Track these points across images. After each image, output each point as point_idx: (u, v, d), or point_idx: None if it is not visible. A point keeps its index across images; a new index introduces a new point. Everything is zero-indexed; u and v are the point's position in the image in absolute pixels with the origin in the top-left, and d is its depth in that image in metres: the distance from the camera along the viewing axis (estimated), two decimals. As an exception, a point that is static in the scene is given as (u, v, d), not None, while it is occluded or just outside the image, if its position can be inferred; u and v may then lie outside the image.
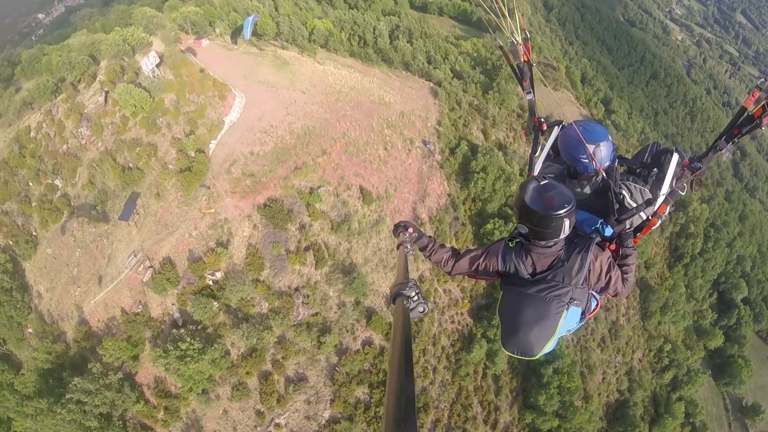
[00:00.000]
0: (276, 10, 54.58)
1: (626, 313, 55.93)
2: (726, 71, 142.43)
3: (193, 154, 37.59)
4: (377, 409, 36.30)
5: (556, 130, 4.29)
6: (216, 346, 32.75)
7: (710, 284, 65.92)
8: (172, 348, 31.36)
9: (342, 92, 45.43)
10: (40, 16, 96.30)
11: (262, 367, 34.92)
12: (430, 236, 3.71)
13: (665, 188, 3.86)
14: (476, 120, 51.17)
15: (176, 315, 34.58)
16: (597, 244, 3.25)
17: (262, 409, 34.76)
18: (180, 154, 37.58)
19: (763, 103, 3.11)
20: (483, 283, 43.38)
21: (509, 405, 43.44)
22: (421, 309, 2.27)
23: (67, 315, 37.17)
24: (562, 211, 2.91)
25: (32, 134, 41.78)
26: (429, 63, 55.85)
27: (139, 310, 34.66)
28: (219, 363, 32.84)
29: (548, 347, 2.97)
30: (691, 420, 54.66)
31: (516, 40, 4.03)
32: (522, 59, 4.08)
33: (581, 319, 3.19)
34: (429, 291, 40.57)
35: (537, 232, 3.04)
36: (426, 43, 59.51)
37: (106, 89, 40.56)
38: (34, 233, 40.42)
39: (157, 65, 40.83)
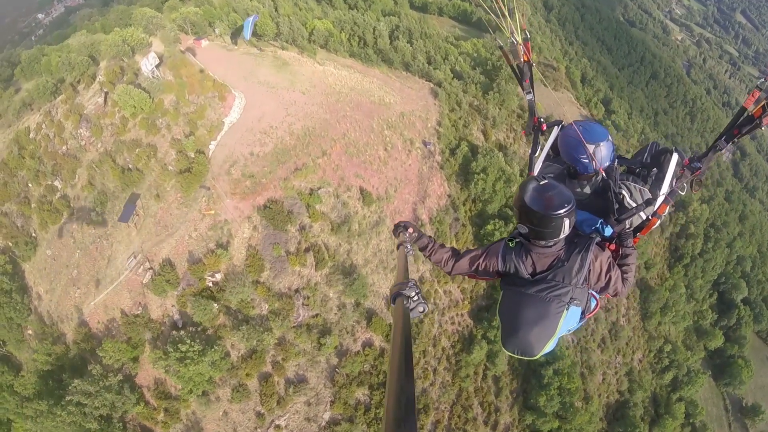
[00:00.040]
0: (276, 10, 54.51)
1: (626, 314, 55.91)
2: (726, 71, 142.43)
3: (192, 155, 37.52)
4: (377, 411, 36.25)
5: (555, 130, 4.28)
6: (216, 347, 32.71)
7: (710, 285, 65.95)
8: (172, 350, 31.31)
9: (342, 93, 45.36)
10: (40, 16, 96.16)
11: (262, 368, 34.87)
12: (430, 236, 3.71)
13: (665, 188, 3.85)
14: (476, 121, 51.12)
15: (176, 317, 34.52)
16: (597, 243, 3.25)
17: (263, 411, 34.71)
18: (180, 155, 37.50)
19: (763, 103, 3.11)
20: (483, 284, 43.40)
21: (509, 406, 43.42)
22: (421, 309, 2.27)
23: (66, 316, 37.11)
24: (561, 211, 2.91)
25: (32, 135, 41.68)
26: (429, 63, 55.78)
27: (138, 312, 34.61)
28: (219, 365, 32.79)
29: (548, 347, 2.97)
30: (691, 420, 54.66)
31: (516, 40, 4.04)
32: (522, 59, 4.08)
33: (581, 318, 3.18)
34: (429, 292, 40.52)
35: (537, 232, 3.05)
36: (426, 43, 59.44)
37: (105, 90, 40.47)
38: (33, 234, 40.34)
39: (157, 66, 40.75)
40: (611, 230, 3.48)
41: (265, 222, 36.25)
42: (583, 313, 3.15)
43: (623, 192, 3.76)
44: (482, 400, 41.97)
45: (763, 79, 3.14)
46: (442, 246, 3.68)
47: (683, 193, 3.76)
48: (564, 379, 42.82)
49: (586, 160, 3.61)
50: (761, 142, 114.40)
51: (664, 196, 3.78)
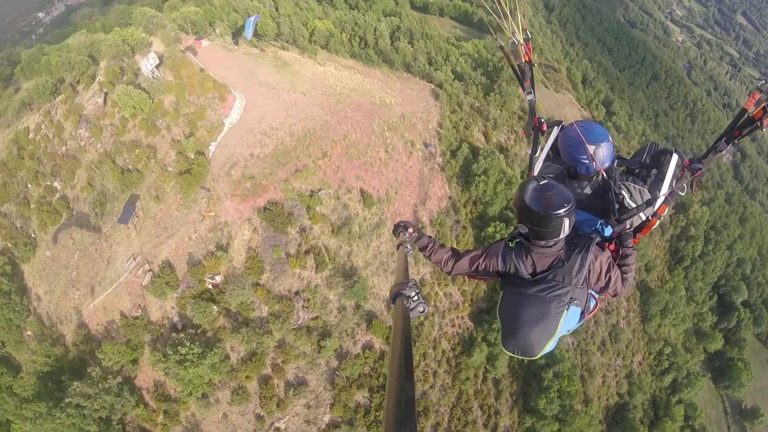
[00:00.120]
0: (276, 10, 54.30)
1: (626, 316, 55.88)
2: (726, 73, 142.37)
3: (192, 156, 37.37)
4: (377, 414, 36.19)
5: (555, 130, 4.28)
6: (216, 350, 32.62)
7: (710, 287, 65.95)
8: (171, 352, 31.21)
9: (343, 94, 45.23)
10: (40, 14, 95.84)
11: (262, 371, 34.79)
12: (430, 236, 3.70)
13: (665, 189, 3.86)
14: (477, 122, 51.00)
15: (176, 319, 34.41)
16: (597, 244, 3.25)
17: (262, 413, 34.63)
18: (179, 156, 37.35)
19: (763, 104, 3.11)
20: (483, 286, 43.37)
21: (509, 409, 43.37)
22: (421, 309, 2.27)
23: (66, 318, 36.98)
24: (561, 211, 2.91)
25: (31, 135, 41.51)
26: (430, 64, 55.63)
27: (138, 314, 34.49)
28: (219, 367, 32.70)
29: (548, 347, 2.97)
30: (690, 423, 54.63)
31: (517, 40, 4.03)
32: (523, 59, 4.08)
33: (580, 318, 3.17)
34: (430, 294, 40.43)
35: (537, 232, 3.05)
36: (427, 44, 59.27)
37: (105, 90, 40.31)
38: (32, 235, 40.20)
39: (157, 66, 40.59)
40: (611, 230, 3.47)
41: (265, 224, 36.13)
42: (582, 313, 3.14)
43: (623, 192, 3.74)
44: (482, 403, 41.91)
45: (763, 81, 3.12)
46: (442, 246, 3.68)
47: (683, 194, 3.76)
48: (564, 382, 42.78)
49: (587, 161, 3.60)
50: (762, 144, 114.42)
51: (664, 196, 3.78)
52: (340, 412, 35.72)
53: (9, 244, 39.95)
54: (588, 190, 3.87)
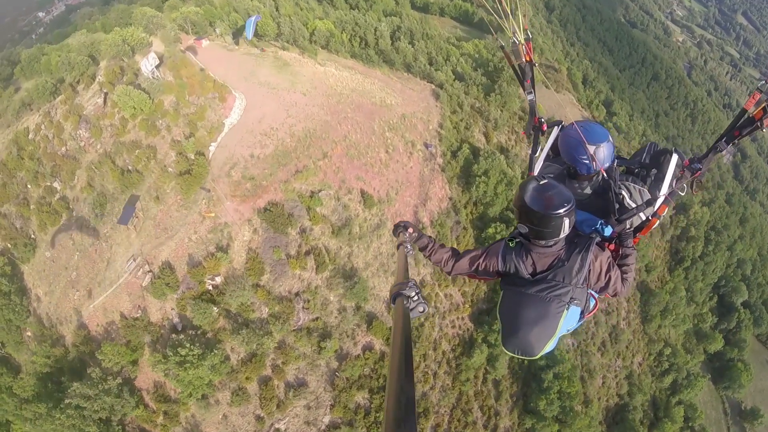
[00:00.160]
0: (277, 10, 54.20)
1: (627, 317, 55.85)
2: (727, 73, 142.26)
3: (192, 157, 37.30)
4: (377, 415, 36.16)
5: (555, 130, 4.28)
6: (216, 351, 32.58)
7: (710, 287, 65.91)
8: (171, 353, 31.17)
9: (343, 94, 45.16)
10: (41, 14, 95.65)
11: (262, 372, 34.75)
12: (430, 236, 3.70)
13: (665, 189, 3.86)
14: (478, 123, 50.94)
15: (176, 320, 34.37)
16: (597, 244, 3.26)
17: (262, 414, 34.60)
18: (180, 157, 37.28)
19: (763, 105, 3.11)
20: (484, 287, 43.34)
21: (509, 410, 43.35)
22: (421, 309, 2.27)
23: (65, 319, 36.93)
24: (561, 211, 2.92)
25: (31, 136, 41.43)
26: (430, 64, 55.54)
27: (138, 315, 34.44)
28: (219, 368, 32.66)
29: (548, 347, 2.97)
30: (690, 424, 54.60)
31: (518, 40, 4.03)
32: (524, 59, 4.08)
33: (580, 318, 3.17)
34: (430, 295, 40.40)
35: (537, 232, 3.05)
36: (427, 44, 59.17)
37: (105, 91, 40.23)
38: (32, 236, 40.13)
39: (157, 66, 40.52)
40: (611, 230, 3.47)
41: (265, 225, 36.07)
42: (582, 313, 3.14)
43: (623, 192, 3.74)
44: (482, 404, 41.89)
45: (763, 81, 3.11)
46: (442, 246, 3.68)
47: (683, 194, 3.76)
48: (564, 383, 42.75)
49: (587, 161, 3.61)
50: (762, 144, 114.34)
51: (664, 196, 3.78)
52: (340, 413, 35.69)
53: (9, 245, 39.89)
54: (588, 190, 3.88)
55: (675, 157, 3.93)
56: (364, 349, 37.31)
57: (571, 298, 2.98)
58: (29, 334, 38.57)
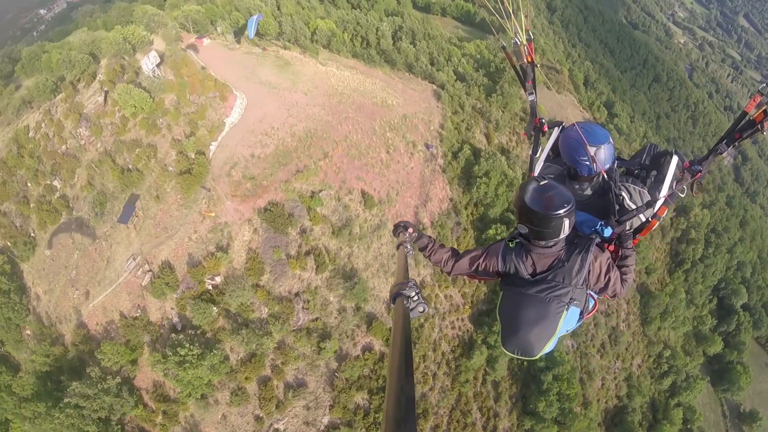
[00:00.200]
0: (278, 9, 54.12)
1: (626, 319, 55.84)
2: (728, 75, 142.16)
3: (193, 156, 37.24)
4: (376, 415, 36.13)
5: (556, 131, 4.29)
6: (215, 351, 32.53)
7: (710, 290, 65.86)
8: (170, 353, 31.11)
9: (344, 94, 45.09)
10: (42, 11, 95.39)
11: (261, 372, 34.70)
12: (429, 236, 3.70)
13: (665, 190, 3.87)
14: (479, 123, 50.87)
15: (175, 319, 34.31)
16: (596, 245, 3.26)
17: (261, 415, 34.56)
18: (180, 156, 37.21)
19: (764, 107, 3.11)
20: (484, 288, 43.30)
21: (508, 411, 43.32)
22: (421, 309, 2.27)
23: (65, 318, 36.87)
24: (561, 211, 2.92)
25: (31, 134, 41.34)
26: (432, 65, 55.48)
27: (137, 315, 34.38)
28: (218, 368, 32.61)
29: (548, 347, 2.98)
30: (689, 426, 54.58)
31: (519, 40, 4.01)
32: (525, 60, 4.07)
33: (579, 319, 3.18)
34: (430, 296, 40.37)
35: (537, 232, 3.06)
36: (429, 44, 59.10)
37: (105, 89, 40.15)
38: (32, 234, 40.05)
39: (158, 65, 40.45)
40: (611, 231, 3.46)
41: (265, 225, 36.01)
42: (581, 313, 3.15)
43: (623, 194, 3.74)
44: (481, 405, 41.85)
45: (764, 84, 3.11)
46: (442, 246, 3.69)
47: (683, 196, 3.76)
48: (563, 385, 42.72)
49: (587, 162, 3.61)
50: (763, 147, 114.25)
51: (664, 198, 3.79)
52: (339, 414, 35.65)
53: (8, 243, 39.81)
54: (588, 191, 3.88)
55: (675, 159, 3.94)
56: (363, 349, 37.27)
57: (570, 299, 2.98)
58: (28, 332, 38.51)
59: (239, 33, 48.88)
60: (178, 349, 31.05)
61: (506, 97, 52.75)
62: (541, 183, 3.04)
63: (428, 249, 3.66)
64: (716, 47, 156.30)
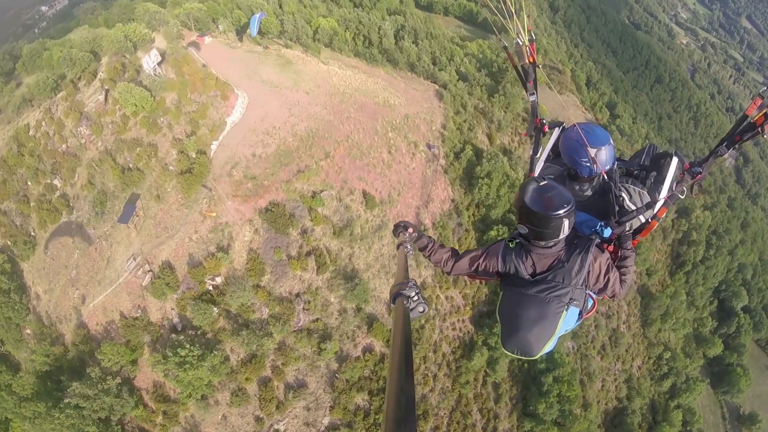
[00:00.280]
0: (280, 7, 53.82)
1: (627, 321, 55.77)
2: (730, 76, 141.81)
3: (194, 156, 37.06)
4: (377, 416, 36.09)
5: (556, 132, 4.30)
6: (215, 352, 32.46)
7: (711, 292, 65.78)
8: (171, 354, 31.03)
9: (346, 93, 44.87)
10: (44, 8, 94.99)
11: (261, 373, 34.64)
12: (429, 237, 3.71)
13: (665, 191, 3.90)
14: (481, 124, 50.66)
15: (175, 320, 34.22)
16: (596, 245, 3.28)
17: (262, 415, 34.52)
18: (181, 156, 37.04)
19: (765, 110, 3.10)
20: (485, 290, 43.21)
21: (508, 413, 43.29)
22: (421, 309, 2.28)
23: (65, 317, 36.77)
24: (561, 212, 2.93)
25: (31, 132, 41.14)
26: (434, 64, 55.27)
27: (137, 315, 34.27)
28: (218, 369, 32.55)
29: (548, 347, 3.00)
30: (688, 428, 54.58)
31: (521, 41, 4.00)
32: (527, 60, 4.07)
33: (579, 319, 3.22)
34: (431, 298, 40.29)
35: (537, 233, 3.06)
36: (431, 43, 58.86)
37: (106, 87, 39.94)
38: (32, 233, 39.91)
39: (159, 63, 40.24)
40: (610, 232, 3.47)
41: (266, 225, 35.88)
42: (580, 313, 3.17)
43: (623, 195, 3.77)
44: (481, 407, 41.82)
45: (765, 87, 3.09)
46: (442, 246, 3.70)
47: (683, 197, 3.73)
48: (564, 387, 42.69)
49: (588, 164, 3.63)
50: (764, 148, 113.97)
51: (663, 199, 3.80)
52: (339, 415, 35.61)
53: (8, 242, 39.69)
54: (588, 192, 3.90)
55: (675, 161, 3.95)
56: (364, 350, 37.20)
57: (570, 299, 3.00)
58: (29, 332, 38.42)
59: (241, 31, 48.65)
60: (179, 349, 30.97)
61: (509, 98, 52.52)
62: (541, 183, 3.03)
63: (428, 249, 3.66)
64: (718, 48, 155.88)
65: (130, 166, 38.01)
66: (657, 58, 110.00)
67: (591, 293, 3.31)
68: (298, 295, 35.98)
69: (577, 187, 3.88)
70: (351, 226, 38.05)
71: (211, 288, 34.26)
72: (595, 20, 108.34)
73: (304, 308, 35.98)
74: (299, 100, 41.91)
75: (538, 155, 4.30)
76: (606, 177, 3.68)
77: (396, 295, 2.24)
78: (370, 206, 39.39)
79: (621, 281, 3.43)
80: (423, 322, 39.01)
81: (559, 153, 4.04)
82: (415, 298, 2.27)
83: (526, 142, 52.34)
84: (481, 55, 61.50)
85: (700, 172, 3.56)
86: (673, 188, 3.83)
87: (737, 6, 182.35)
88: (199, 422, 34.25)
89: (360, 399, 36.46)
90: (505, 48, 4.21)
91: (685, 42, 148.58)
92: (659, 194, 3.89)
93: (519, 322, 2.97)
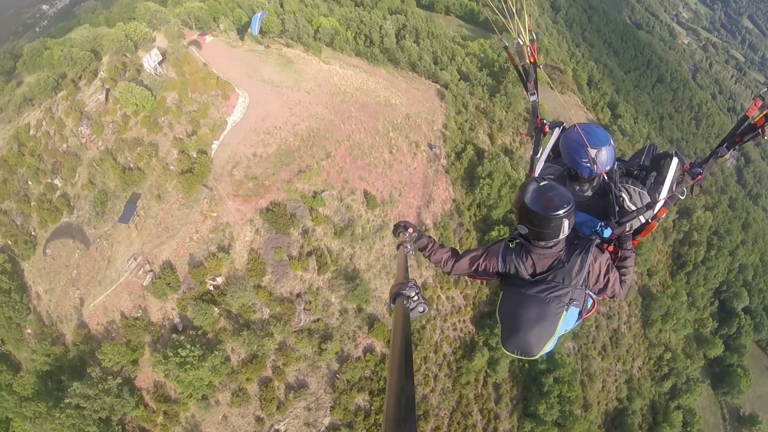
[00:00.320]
0: (281, 6, 53.68)
1: (627, 321, 55.72)
2: (732, 76, 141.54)
3: (194, 155, 36.98)
4: (377, 417, 36.06)
5: (557, 132, 4.30)
6: (216, 352, 32.42)
7: (712, 292, 65.68)
8: (171, 354, 30.98)
9: (347, 93, 44.77)
10: (45, 7, 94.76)
11: (262, 373, 34.61)
12: (430, 236, 3.71)
13: (665, 192, 3.90)
14: (482, 124, 50.56)
15: (176, 320, 34.17)
16: (596, 245, 3.28)
17: (262, 416, 34.49)
18: (182, 155, 36.96)
19: (765, 112, 3.10)
20: (486, 290, 43.14)
21: (509, 413, 43.27)
22: (421, 309, 2.27)
23: (66, 317, 36.73)
24: (561, 212, 2.93)
25: (32, 132, 41.05)
26: (435, 64, 55.12)
27: (138, 315, 34.22)
28: (219, 369, 32.51)
29: (548, 347, 3.00)
30: (688, 429, 54.55)
31: (522, 41, 3.98)
32: (528, 60, 4.05)
33: (578, 319, 3.22)
34: (432, 298, 40.23)
35: (537, 233, 3.07)
36: (433, 43, 58.71)
37: (107, 87, 39.84)
38: (33, 233, 39.84)
39: (160, 62, 40.15)
40: (610, 232, 3.48)
41: (267, 225, 35.82)
42: (580, 313, 3.18)
43: (623, 195, 3.77)
44: (482, 407, 41.79)
45: (766, 89, 3.10)
46: (442, 246, 3.71)
47: (683, 198, 3.72)
48: (564, 387, 42.65)
49: (588, 164, 3.62)
50: (766, 149, 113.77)
51: (664, 200, 3.80)
52: (340, 415, 35.59)
53: (9, 242, 39.63)
54: (588, 192, 3.90)
55: (675, 161, 3.95)
56: (365, 351, 37.16)
57: (570, 299, 3.00)
58: (29, 331, 38.39)
59: (242, 30, 48.54)
60: (179, 350, 30.93)
61: (510, 97, 52.41)
62: (541, 183, 3.04)
63: (428, 249, 3.66)
64: (720, 48, 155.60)
65: (131, 165, 37.94)
66: (658, 57, 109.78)
67: (591, 293, 3.31)
68: (299, 295, 35.93)
69: (578, 187, 3.88)
70: (352, 226, 37.99)
71: (212, 288, 34.21)
72: (597, 20, 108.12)
73: (305, 308, 35.94)
74: (300, 100, 41.82)
75: (539, 155, 4.30)
76: (606, 177, 3.68)
77: (396, 295, 2.23)
78: (371, 206, 39.32)
79: (621, 281, 3.43)
80: (424, 322, 38.96)
81: (559, 153, 4.03)
82: (415, 298, 2.26)
83: (528, 142, 52.21)
84: (482, 55, 61.33)
85: (701, 173, 3.55)
86: (674, 189, 3.83)
87: (739, 6, 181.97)
88: (200, 422, 34.23)
89: (361, 399, 36.44)
90: (506, 48, 4.19)
91: (686, 42, 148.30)
92: (659, 195, 3.89)
93: (519, 322, 2.97)
